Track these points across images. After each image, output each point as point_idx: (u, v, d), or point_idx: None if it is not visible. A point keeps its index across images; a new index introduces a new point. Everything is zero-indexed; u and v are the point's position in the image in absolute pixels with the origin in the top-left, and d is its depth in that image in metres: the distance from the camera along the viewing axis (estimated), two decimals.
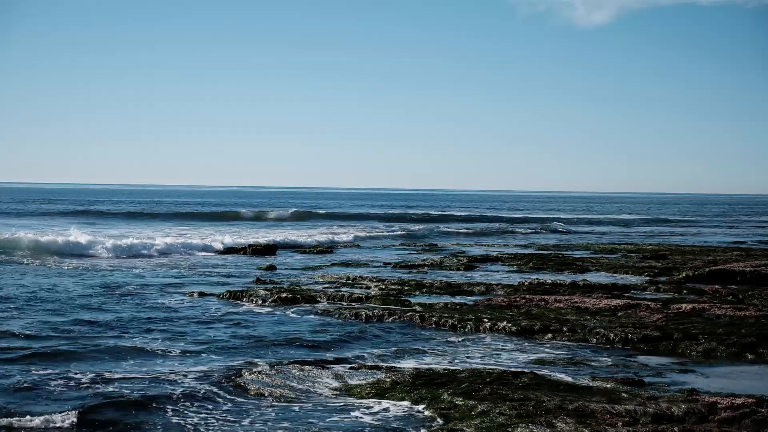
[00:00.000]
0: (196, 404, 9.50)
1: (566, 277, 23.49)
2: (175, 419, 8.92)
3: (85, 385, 10.11)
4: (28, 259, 25.63)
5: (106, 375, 10.66)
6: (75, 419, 8.61)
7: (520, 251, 32.86)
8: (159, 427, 8.64)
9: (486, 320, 15.07)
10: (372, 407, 9.56)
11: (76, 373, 10.69)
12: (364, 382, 10.65)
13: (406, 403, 9.73)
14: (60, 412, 8.78)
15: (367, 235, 42.93)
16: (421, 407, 9.54)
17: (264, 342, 13.44)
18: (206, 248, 31.38)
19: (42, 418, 8.60)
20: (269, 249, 31.27)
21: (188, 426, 8.72)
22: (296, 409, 9.45)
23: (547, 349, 13.30)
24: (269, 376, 10.76)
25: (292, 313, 16.70)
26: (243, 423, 8.89)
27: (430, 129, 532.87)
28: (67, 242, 29.00)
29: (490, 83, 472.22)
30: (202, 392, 9.95)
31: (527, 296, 18.30)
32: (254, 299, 18.04)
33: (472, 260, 27.79)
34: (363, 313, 16.07)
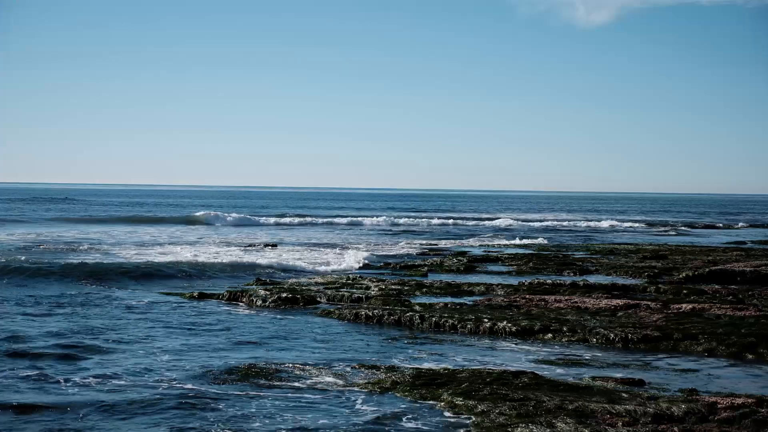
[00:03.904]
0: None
1: (566, 278, 23.49)
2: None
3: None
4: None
5: None
6: None
7: (521, 251, 32.85)
8: None
9: (486, 320, 15.08)
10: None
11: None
12: (365, 381, 10.66)
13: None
14: None
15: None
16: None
17: (264, 343, 13.47)
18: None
19: None
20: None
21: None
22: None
23: (547, 349, 13.31)
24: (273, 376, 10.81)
25: (291, 314, 16.72)
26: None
27: (430, 129, 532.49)
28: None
29: (490, 83, 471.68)
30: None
31: (527, 296, 18.30)
32: (254, 299, 18.03)
33: (473, 260, 27.79)
34: (363, 313, 16.08)
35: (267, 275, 23.37)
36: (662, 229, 56.21)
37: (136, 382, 10.44)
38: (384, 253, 31.43)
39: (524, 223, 61.03)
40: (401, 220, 60.31)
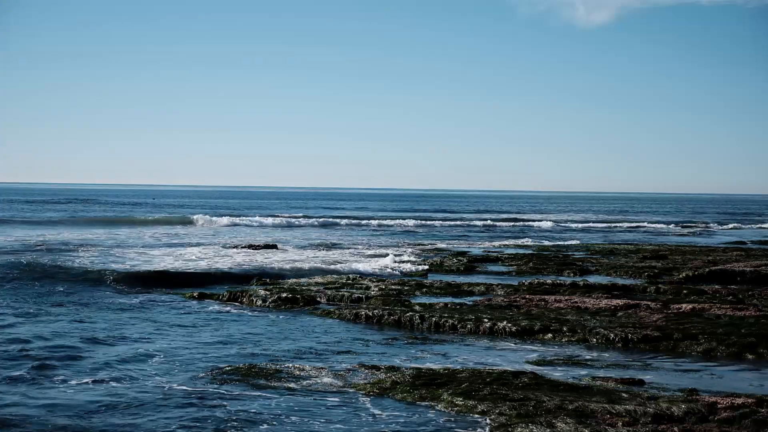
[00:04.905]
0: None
1: (566, 278, 23.48)
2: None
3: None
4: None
5: None
6: None
7: (521, 251, 32.81)
8: None
9: (486, 320, 15.08)
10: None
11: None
12: (365, 381, 10.66)
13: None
14: None
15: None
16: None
17: (263, 343, 13.47)
18: None
19: None
20: None
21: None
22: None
23: (547, 349, 13.31)
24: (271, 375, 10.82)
25: (291, 314, 16.71)
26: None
27: (430, 129, 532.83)
28: None
29: (490, 83, 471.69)
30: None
31: (527, 296, 18.30)
32: (254, 299, 18.03)
33: (473, 260, 27.77)
34: (363, 313, 16.08)
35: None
36: (695, 229, 56.04)
37: (137, 383, 10.44)
38: (381, 252, 31.39)
39: (528, 223, 61.00)
40: (402, 221, 60.02)
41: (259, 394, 10.02)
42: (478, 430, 8.69)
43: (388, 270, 24.51)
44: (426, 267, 25.55)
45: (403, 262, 26.84)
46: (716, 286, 20.81)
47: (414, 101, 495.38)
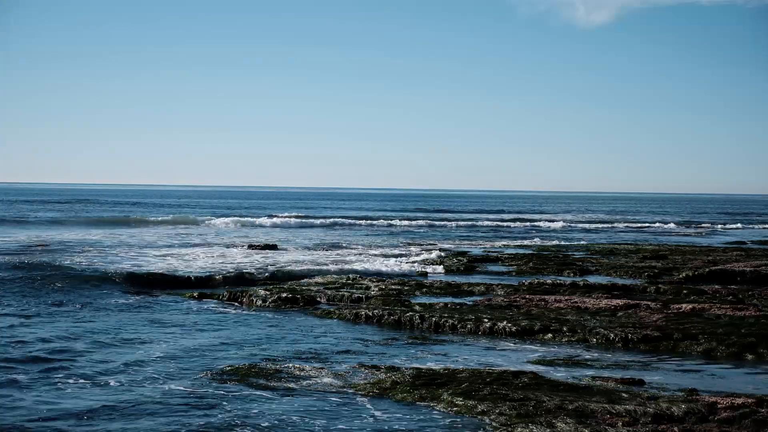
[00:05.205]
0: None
1: (566, 278, 23.48)
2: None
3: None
4: None
5: None
6: None
7: (521, 251, 32.80)
8: None
9: (486, 320, 15.08)
10: None
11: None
12: (365, 381, 10.67)
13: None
14: None
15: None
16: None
17: (264, 343, 13.47)
18: None
19: None
20: None
21: None
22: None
23: (547, 349, 13.31)
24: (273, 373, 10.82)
25: (291, 314, 16.72)
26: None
27: (430, 129, 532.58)
28: None
29: (490, 83, 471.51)
30: None
31: (527, 296, 18.30)
32: (254, 299, 18.03)
33: (473, 260, 27.77)
34: (363, 313, 16.08)
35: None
36: (699, 229, 55.91)
37: (137, 384, 10.44)
38: (386, 252, 31.40)
39: (530, 223, 60.94)
40: (402, 221, 59.90)
41: (259, 394, 10.02)
42: None
43: (388, 270, 24.52)
44: (440, 267, 25.52)
45: (404, 262, 26.85)
46: (716, 286, 20.82)
47: (414, 101, 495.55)
